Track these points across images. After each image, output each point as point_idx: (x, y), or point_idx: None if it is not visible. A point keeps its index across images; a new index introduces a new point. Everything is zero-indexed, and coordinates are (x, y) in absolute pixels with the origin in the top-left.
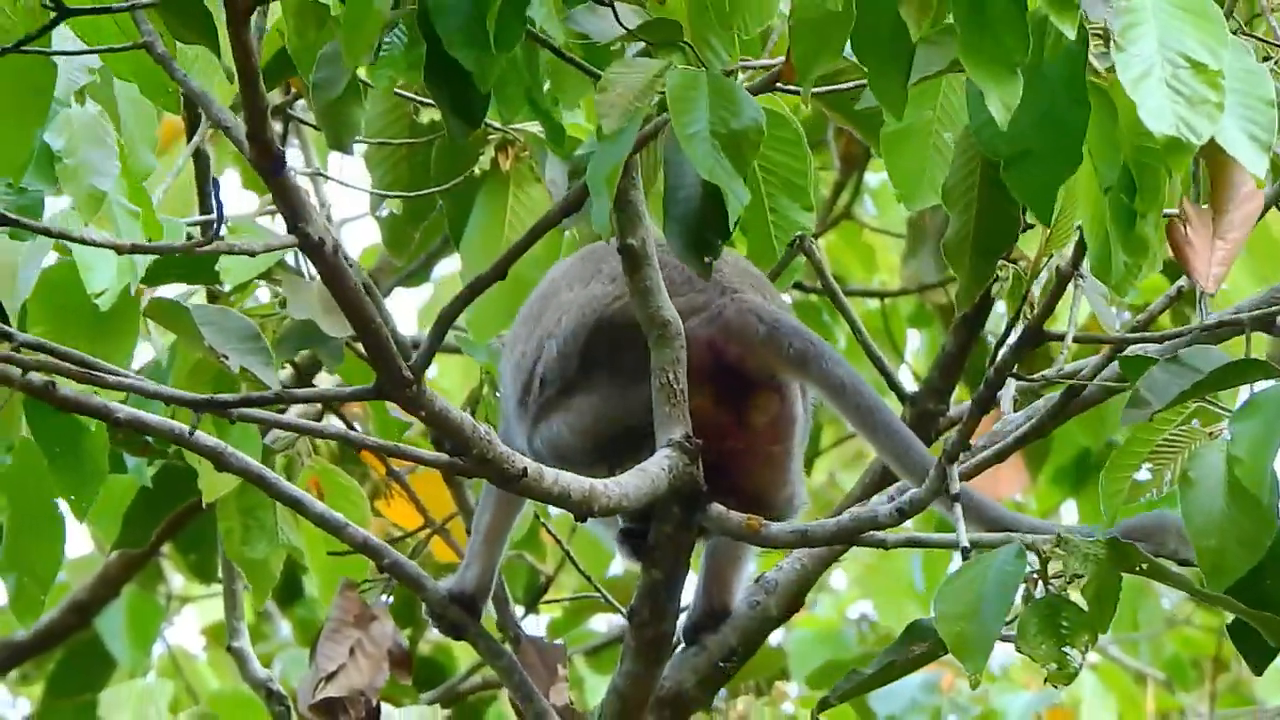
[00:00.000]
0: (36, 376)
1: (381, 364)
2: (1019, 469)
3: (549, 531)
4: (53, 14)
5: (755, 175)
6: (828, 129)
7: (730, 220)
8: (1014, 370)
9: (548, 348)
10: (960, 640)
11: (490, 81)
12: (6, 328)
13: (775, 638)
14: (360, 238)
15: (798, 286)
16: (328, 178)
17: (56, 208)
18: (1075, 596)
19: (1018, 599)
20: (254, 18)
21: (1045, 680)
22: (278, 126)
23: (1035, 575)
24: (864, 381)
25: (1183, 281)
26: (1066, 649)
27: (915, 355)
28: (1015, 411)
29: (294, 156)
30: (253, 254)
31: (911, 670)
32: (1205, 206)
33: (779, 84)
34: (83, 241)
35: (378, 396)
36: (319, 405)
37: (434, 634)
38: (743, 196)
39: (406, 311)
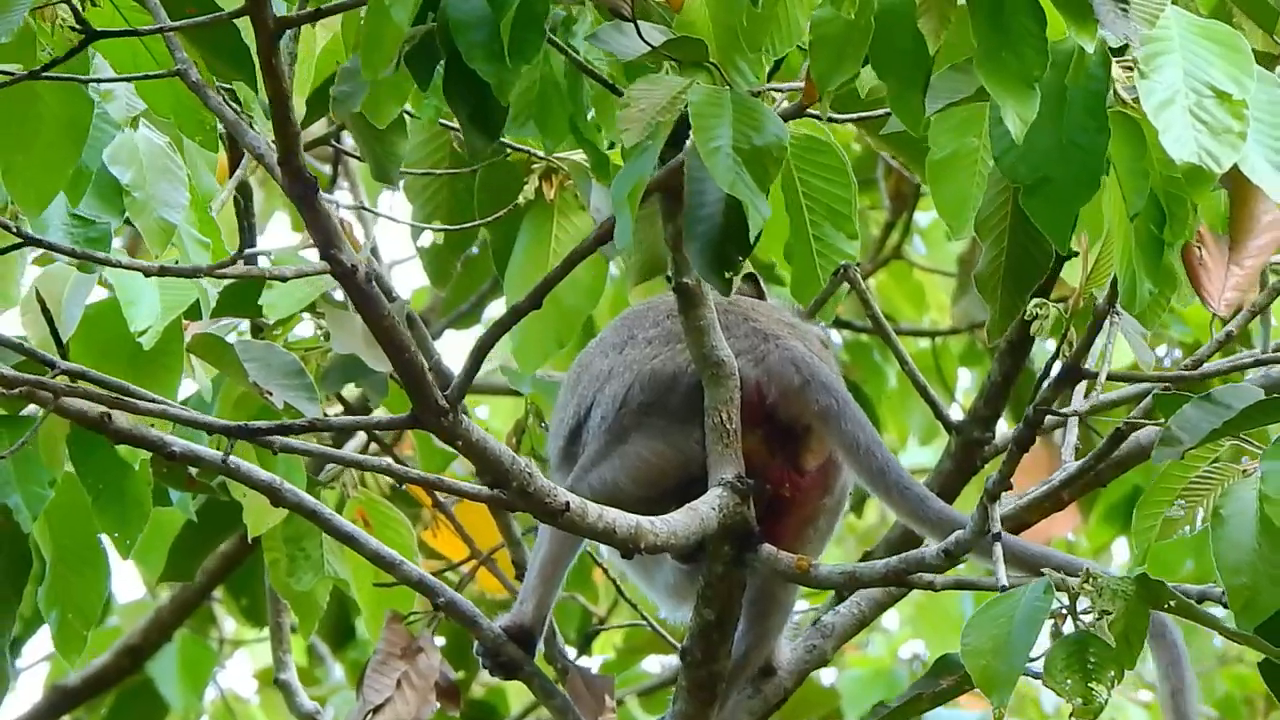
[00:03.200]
0: (91, 408)
1: (417, 392)
2: (1071, 509)
3: (603, 570)
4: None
5: (799, 203)
6: (877, 167)
7: (751, 235)
8: (1052, 407)
9: (592, 415)
10: (986, 674)
11: (509, 94)
12: (47, 354)
13: (828, 678)
14: (409, 280)
15: (848, 326)
16: (367, 209)
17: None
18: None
19: (1046, 635)
20: (284, 42)
21: (1070, 715)
22: (327, 168)
23: (1064, 611)
24: (881, 444)
25: (1233, 325)
26: (1093, 684)
27: (966, 394)
28: (1078, 459)
29: (344, 198)
30: (284, 279)
31: (939, 703)
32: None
33: (806, 109)
34: (110, 263)
35: (414, 425)
36: (368, 440)
37: (486, 675)
38: (764, 211)
39: (458, 353)
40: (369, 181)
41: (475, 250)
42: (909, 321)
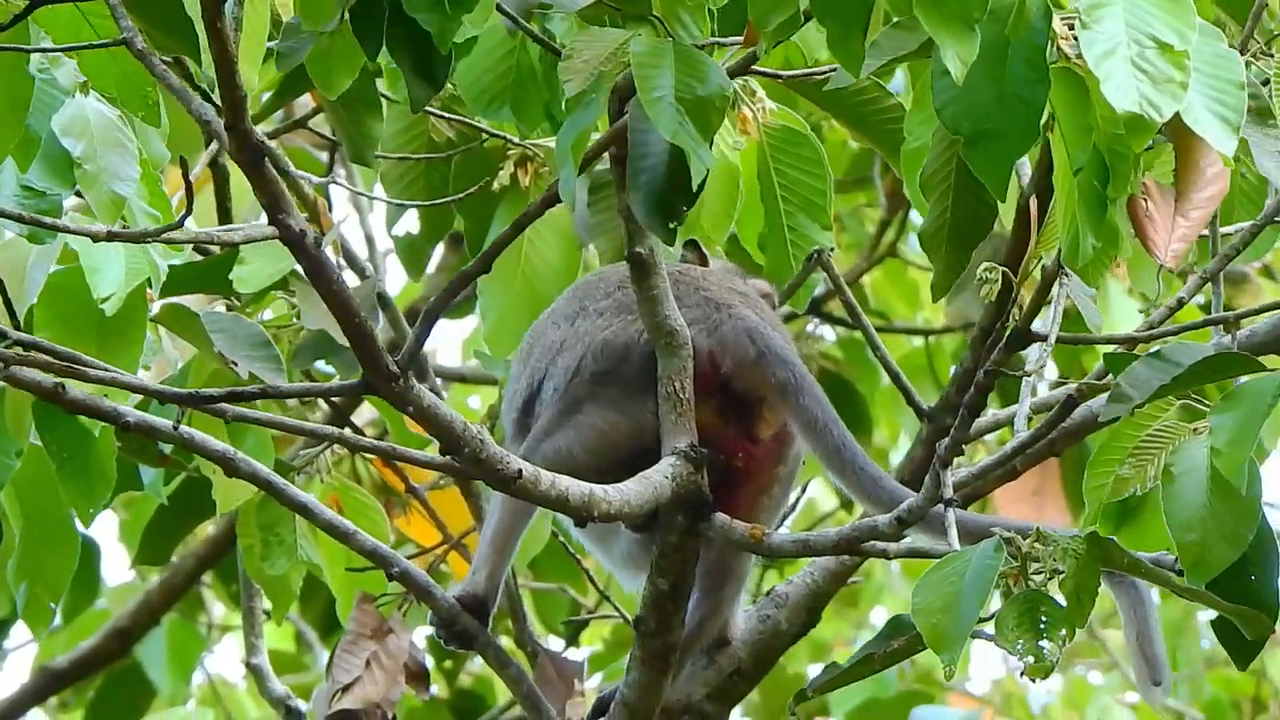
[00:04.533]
0: (46, 378)
1: (367, 358)
2: (1061, 508)
3: (585, 571)
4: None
5: (774, 193)
6: (874, 165)
7: (694, 184)
8: (1001, 370)
9: (545, 387)
10: (936, 633)
11: (449, 43)
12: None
13: (812, 671)
14: (403, 271)
15: (838, 322)
16: (346, 186)
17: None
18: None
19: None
20: (229, 6)
21: (1022, 674)
22: (324, 156)
23: (1016, 571)
24: (839, 421)
25: (1184, 291)
26: (1044, 643)
27: None
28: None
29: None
30: (234, 244)
31: (890, 664)
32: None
33: (754, 64)
34: (58, 229)
35: (365, 391)
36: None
37: (474, 665)
38: (707, 160)
39: (452, 342)
40: (366, 173)
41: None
42: (903, 319)
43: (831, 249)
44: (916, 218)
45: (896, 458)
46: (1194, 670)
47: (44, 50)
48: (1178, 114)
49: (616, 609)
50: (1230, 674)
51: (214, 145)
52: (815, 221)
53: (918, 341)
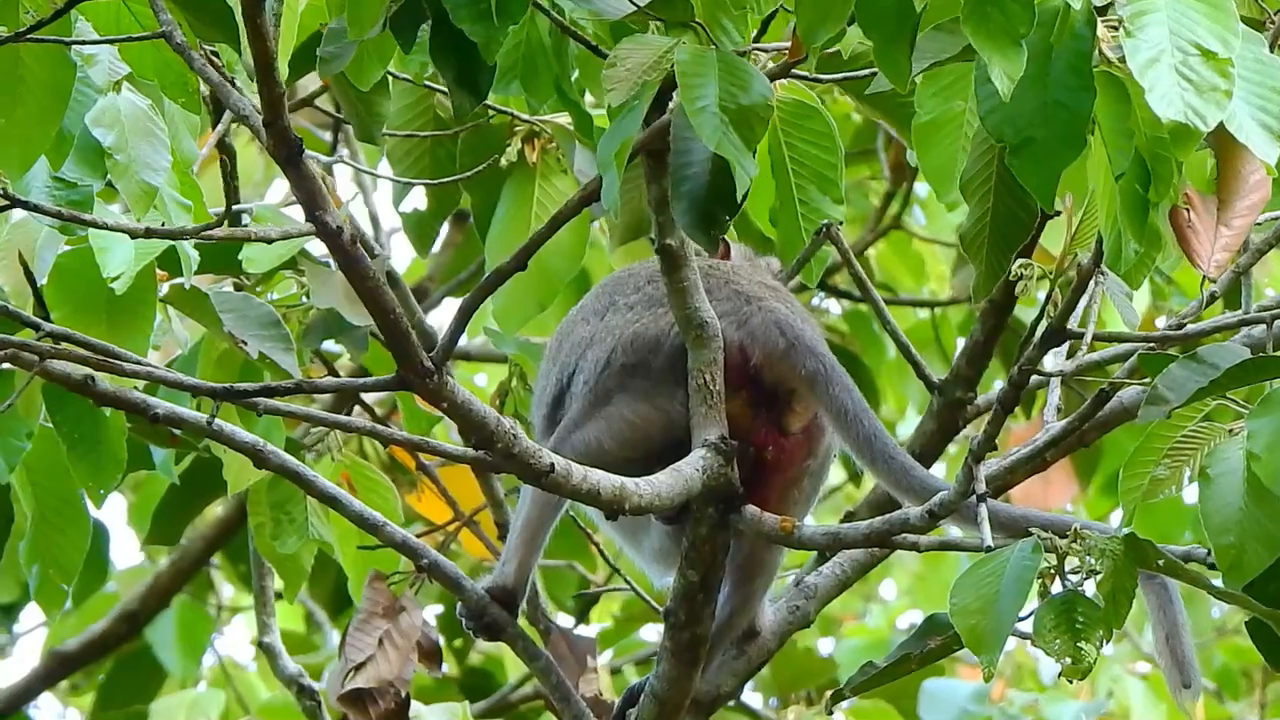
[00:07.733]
0: (75, 370)
1: (402, 354)
2: (1069, 479)
3: (595, 545)
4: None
5: (785, 167)
6: (878, 138)
7: (738, 195)
8: (1037, 368)
9: (575, 381)
10: (974, 633)
11: (495, 54)
12: (34, 317)
13: (826, 647)
14: (407, 248)
15: (844, 295)
16: (353, 165)
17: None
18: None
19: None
20: (269, 2)
21: (1059, 674)
22: (327, 135)
23: (1052, 571)
24: (869, 411)
25: (1217, 286)
26: (1081, 644)
27: None
28: (1061, 420)
29: (341, 165)
30: (269, 241)
31: (927, 664)
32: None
33: (793, 68)
34: (96, 225)
35: (400, 387)
36: (353, 403)
37: (484, 644)
38: (751, 170)
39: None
40: (370, 150)
41: (471, 219)
42: (908, 292)
43: (841, 222)
44: (921, 190)
45: (904, 429)
46: (1205, 640)
47: (84, 42)
48: (1220, 121)
49: (628, 583)
50: (1241, 644)
51: (221, 125)
52: (826, 195)
53: (924, 314)
